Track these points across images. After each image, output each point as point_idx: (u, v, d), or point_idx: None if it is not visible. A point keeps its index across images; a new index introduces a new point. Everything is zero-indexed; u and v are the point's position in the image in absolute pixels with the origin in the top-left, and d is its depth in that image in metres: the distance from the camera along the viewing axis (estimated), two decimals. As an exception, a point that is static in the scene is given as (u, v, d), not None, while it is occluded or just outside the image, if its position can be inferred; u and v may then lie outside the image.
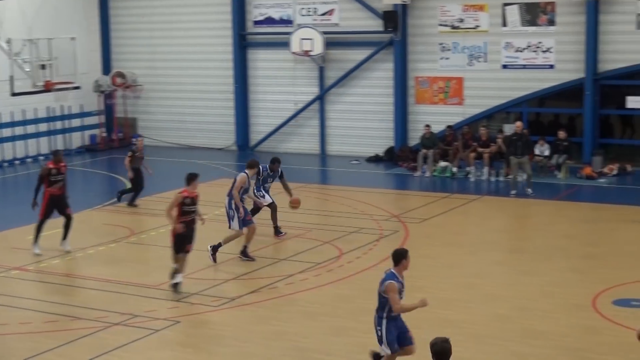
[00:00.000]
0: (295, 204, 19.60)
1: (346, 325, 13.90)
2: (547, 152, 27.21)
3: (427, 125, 28.83)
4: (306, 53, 31.38)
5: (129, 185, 23.77)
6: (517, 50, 29.22)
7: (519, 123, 25.47)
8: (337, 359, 12.64)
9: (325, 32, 31.38)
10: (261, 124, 33.53)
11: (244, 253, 17.84)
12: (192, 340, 13.70)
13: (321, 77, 32.25)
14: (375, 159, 30.70)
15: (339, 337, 13.39)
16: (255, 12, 33.22)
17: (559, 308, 14.69)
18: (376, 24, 30.85)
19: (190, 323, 14.29)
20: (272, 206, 19.63)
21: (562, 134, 27.30)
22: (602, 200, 24.02)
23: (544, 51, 28.87)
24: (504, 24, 29.34)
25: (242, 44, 33.38)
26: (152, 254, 18.73)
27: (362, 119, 31.71)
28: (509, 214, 22.85)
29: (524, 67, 29.15)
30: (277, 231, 19.75)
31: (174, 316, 14.47)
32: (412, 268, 17.21)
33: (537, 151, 27.41)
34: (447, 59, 30.31)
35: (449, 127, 29.20)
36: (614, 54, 27.90)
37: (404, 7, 30.27)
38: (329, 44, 31.48)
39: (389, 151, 30.92)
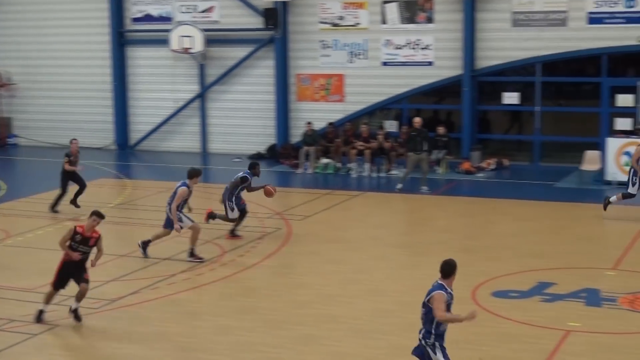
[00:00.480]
0: (269, 194, 19.63)
1: (230, 324, 13.78)
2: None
3: (309, 123, 28.90)
4: (186, 50, 31.08)
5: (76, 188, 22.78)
6: (396, 48, 29.55)
7: (417, 119, 25.64)
8: (222, 359, 12.50)
9: (205, 30, 31.13)
10: (141, 122, 33.06)
11: (192, 254, 17.50)
12: (72, 343, 13.36)
13: (202, 75, 31.99)
14: (257, 157, 30.59)
15: (223, 337, 13.26)
16: (134, 9, 32.73)
17: (440, 301, 14.85)
18: (257, 22, 30.77)
19: (69, 327, 13.92)
20: (242, 216, 19.43)
21: (441, 130, 27.74)
22: (480, 194, 24.48)
23: (422, 48, 29.27)
24: (384, 22, 29.63)
25: (121, 41, 32.85)
26: (29, 257, 18.19)
27: (244, 116, 31.60)
28: (391, 210, 23.05)
29: (404, 64, 29.50)
30: (233, 233, 19.51)
31: (53, 320, 14.08)
32: (295, 265, 17.32)
33: (417, 147, 27.73)
34: (328, 56, 30.44)
35: (330, 124, 29.35)
36: (490, 51, 28.48)
37: (285, 4, 30.26)
38: (209, 42, 31.24)
39: (271, 148, 30.89)
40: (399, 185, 24.70)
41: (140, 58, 32.90)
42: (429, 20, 29.13)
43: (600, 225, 21.49)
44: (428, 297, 10.35)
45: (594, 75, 28.66)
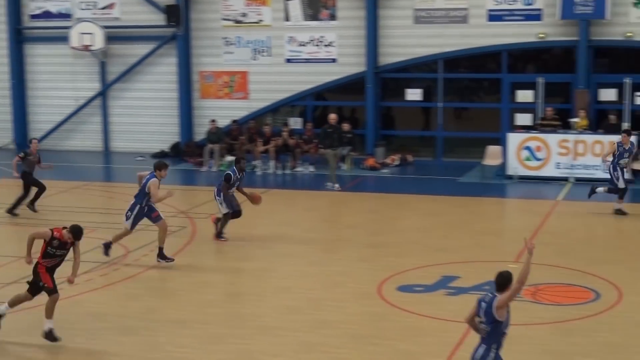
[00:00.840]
0: (256, 200, 19.08)
1: (135, 324, 13.56)
2: (321, 144, 27.61)
3: (213, 120, 28.73)
4: (86, 48, 30.57)
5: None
6: (300, 45, 29.58)
7: (333, 115, 25.64)
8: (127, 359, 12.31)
9: (106, 27, 30.69)
10: (41, 121, 32.42)
11: (161, 255, 16.86)
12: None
13: (103, 73, 31.54)
14: (160, 155, 30.25)
15: (128, 337, 13.04)
16: (32, 6, 32.07)
17: (346, 297, 14.90)
18: (158, 18, 30.47)
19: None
20: (232, 215, 18.82)
21: (345, 127, 27.81)
22: (385, 190, 24.67)
23: (326, 45, 29.36)
24: (287, 19, 29.62)
25: (19, 38, 32.16)
26: None
27: (147, 114, 31.25)
28: (297, 207, 23.05)
29: (307, 61, 29.55)
30: (220, 235, 18.93)
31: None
32: (200, 264, 17.16)
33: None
34: (231, 53, 30.31)
35: (234, 121, 29.22)
36: (393, 47, 28.72)
37: (187, 1, 30.04)
38: (111, 39, 30.81)
39: (175, 147, 30.62)
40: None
41: (39, 55, 32.25)
42: (332, 17, 29.24)
43: (503, 219, 21.88)
44: (493, 311, 9.60)
45: (494, 71, 29.15)
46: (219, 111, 30.06)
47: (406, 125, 31.19)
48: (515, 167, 25.43)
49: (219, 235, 18.81)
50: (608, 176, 21.23)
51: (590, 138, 25.07)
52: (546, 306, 14.30)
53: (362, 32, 28.69)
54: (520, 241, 18.28)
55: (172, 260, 16.84)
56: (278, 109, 30.69)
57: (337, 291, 15.30)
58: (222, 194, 18.53)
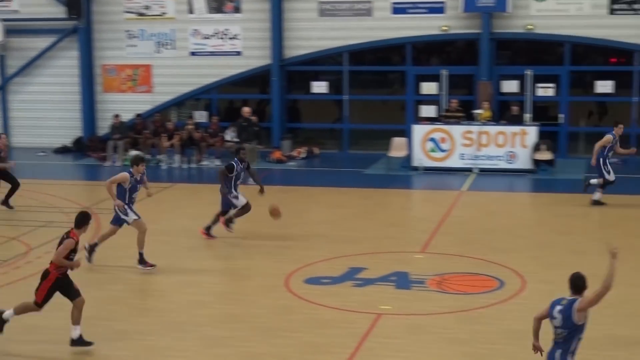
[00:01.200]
0: (276, 214, 17.80)
1: (38, 323, 13.23)
2: (237, 138, 27.48)
3: (117, 116, 28.30)
4: (-16, 41, 29.83)
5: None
6: (204, 37, 29.34)
7: (246, 109, 25.44)
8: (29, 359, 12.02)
9: (4, 20, 29.97)
10: (-63, 116, 31.54)
11: (142, 261, 15.92)
12: None
13: (2, 67, 30.80)
14: (63, 150, 29.75)
15: (31, 336, 12.71)
16: None
17: (253, 290, 14.82)
18: (59, 11, 29.90)
19: None
20: (247, 207, 18.19)
21: (253, 119, 27.72)
22: (292, 182, 24.65)
23: (231, 38, 29.19)
24: (191, 11, 29.35)
25: None
26: None
27: (48, 109, 30.65)
28: (203, 201, 22.83)
29: (212, 54, 29.35)
30: (212, 226, 18.27)
31: None
32: (100, 259, 16.82)
33: (227, 137, 27.71)
34: (134, 46, 29.91)
35: (138, 115, 28.86)
36: (298, 40, 28.70)
37: (88, -7, 29.53)
38: (9, 32, 30.13)
39: (78, 141, 30.10)
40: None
41: None
42: (237, 9, 29.08)
43: (409, 210, 22.04)
44: (575, 315, 9.30)
45: (399, 64, 29.37)
46: (123, 105, 29.64)
47: (312, 118, 31.22)
48: (420, 159, 25.66)
49: (207, 230, 18.17)
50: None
51: (493, 129, 25.43)
52: (452, 295, 14.43)
53: (267, 25, 28.60)
54: (425, 231, 18.53)
55: (153, 266, 15.90)
56: (183, 103, 30.40)
57: (243, 285, 15.21)
58: (232, 189, 17.89)
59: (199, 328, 12.93)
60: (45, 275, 12.14)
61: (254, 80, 29.87)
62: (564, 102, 27.65)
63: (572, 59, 27.66)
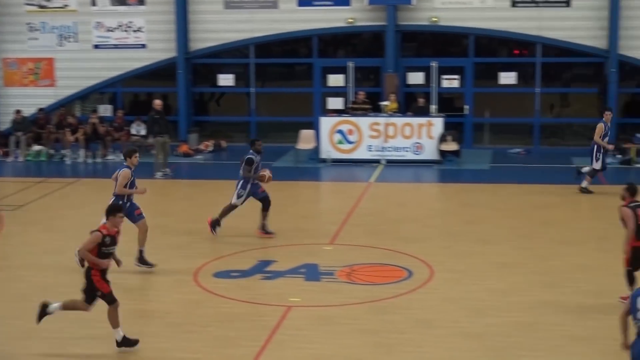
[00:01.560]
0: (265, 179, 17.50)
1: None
2: (143, 132, 27.20)
3: (18, 111, 27.68)
4: None
5: None
6: (108, 30, 28.90)
7: (157, 101, 25.01)
8: None
9: None
10: None
11: (142, 260, 15.35)
12: None
13: None
14: (-38, 146, 29.00)
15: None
16: None
17: (162, 285, 14.66)
18: (-44, 3, 29.07)
19: None
20: (266, 201, 17.62)
21: (157, 113, 27.42)
22: (200, 176, 24.46)
23: (135, 31, 28.79)
24: (94, 4, 28.90)
25: None
26: None
27: (-53, 104, 29.81)
28: (109, 196, 22.46)
29: (116, 47, 28.92)
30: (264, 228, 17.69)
31: None
32: (11, 256, 16.44)
33: (133, 131, 27.40)
34: (36, 39, 29.30)
35: (41, 109, 28.30)
36: (204, 33, 28.48)
37: (-13, -15, 28.80)
38: None
39: (-21, 137, 29.36)
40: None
41: None
42: (141, 2, 28.71)
43: (317, 202, 22.08)
44: None
45: (306, 56, 29.37)
46: (25, 99, 29.01)
47: (219, 111, 31.00)
48: (328, 151, 25.71)
49: (213, 226, 17.62)
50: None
51: (400, 121, 25.62)
52: (361, 286, 14.48)
53: (172, 17, 28.28)
54: (334, 223, 18.56)
55: (153, 265, 15.44)
56: (87, 97, 29.90)
57: (152, 280, 15.01)
58: (243, 182, 17.42)
59: (108, 324, 12.69)
60: (88, 275, 11.85)
61: (160, 73, 29.52)
62: (469, 94, 28.00)
63: (476, 50, 28.02)
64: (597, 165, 21.23)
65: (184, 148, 27.38)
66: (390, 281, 14.74)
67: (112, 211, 12.04)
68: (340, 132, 25.69)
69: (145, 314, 13.20)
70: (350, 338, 12.12)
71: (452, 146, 25.45)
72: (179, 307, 13.52)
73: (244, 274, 15.19)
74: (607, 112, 21.48)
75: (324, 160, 25.69)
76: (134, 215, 15.42)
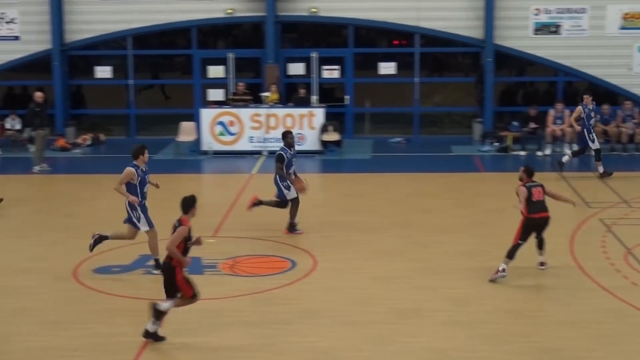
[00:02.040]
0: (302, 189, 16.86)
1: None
2: (18, 126, 26.54)
3: None
4: None
5: None
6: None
7: (39, 93, 24.21)
8: None
9: None
10: None
11: (158, 266, 14.39)
12: None
13: None
14: None
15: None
16: None
17: (40, 282, 14.30)
18: None
19: None
20: (296, 201, 16.85)
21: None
22: (77, 171, 23.99)
23: (7, 22, 28.02)
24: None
25: None
26: None
27: None
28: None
29: (-10, 38, 28.15)
30: (293, 228, 16.97)
31: None
32: None
33: (8, 125, 26.74)
34: None
35: None
36: (80, 24, 27.91)
37: None
38: None
39: None
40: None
41: None
42: (13, -8, 27.94)
43: (199, 195, 21.64)
44: None
45: (185, 47, 29.08)
46: None
47: (97, 104, 30.42)
48: (209, 143, 25.52)
49: (292, 228, 17.05)
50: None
51: (281, 111, 25.61)
52: (244, 278, 14.43)
53: (46, 9, 27.59)
54: (216, 215, 18.42)
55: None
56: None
57: (29, 277, 14.61)
58: (279, 177, 16.78)
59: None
60: (171, 275, 11.61)
61: (35, 65, 28.77)
62: (349, 84, 28.18)
63: (356, 41, 28.20)
64: (595, 145, 21.83)
65: (61, 142, 26.77)
66: (274, 272, 14.73)
67: (192, 203, 11.91)
68: (221, 123, 25.53)
69: (24, 312, 12.85)
70: (234, 331, 12.07)
71: (333, 136, 25.59)
72: (58, 304, 13.23)
73: (125, 268, 14.97)
74: (585, 96, 22.34)
75: (205, 153, 25.49)
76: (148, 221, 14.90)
